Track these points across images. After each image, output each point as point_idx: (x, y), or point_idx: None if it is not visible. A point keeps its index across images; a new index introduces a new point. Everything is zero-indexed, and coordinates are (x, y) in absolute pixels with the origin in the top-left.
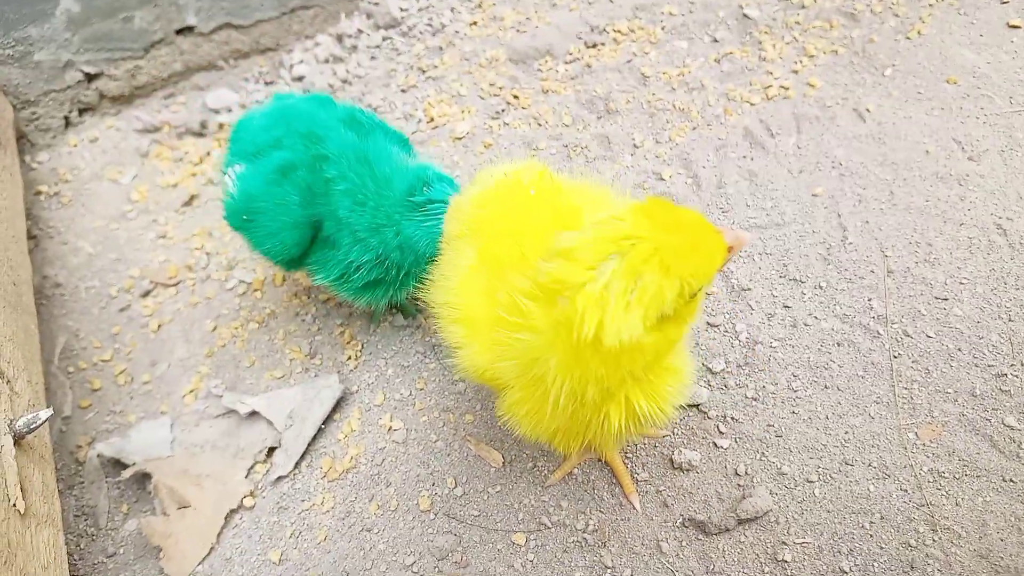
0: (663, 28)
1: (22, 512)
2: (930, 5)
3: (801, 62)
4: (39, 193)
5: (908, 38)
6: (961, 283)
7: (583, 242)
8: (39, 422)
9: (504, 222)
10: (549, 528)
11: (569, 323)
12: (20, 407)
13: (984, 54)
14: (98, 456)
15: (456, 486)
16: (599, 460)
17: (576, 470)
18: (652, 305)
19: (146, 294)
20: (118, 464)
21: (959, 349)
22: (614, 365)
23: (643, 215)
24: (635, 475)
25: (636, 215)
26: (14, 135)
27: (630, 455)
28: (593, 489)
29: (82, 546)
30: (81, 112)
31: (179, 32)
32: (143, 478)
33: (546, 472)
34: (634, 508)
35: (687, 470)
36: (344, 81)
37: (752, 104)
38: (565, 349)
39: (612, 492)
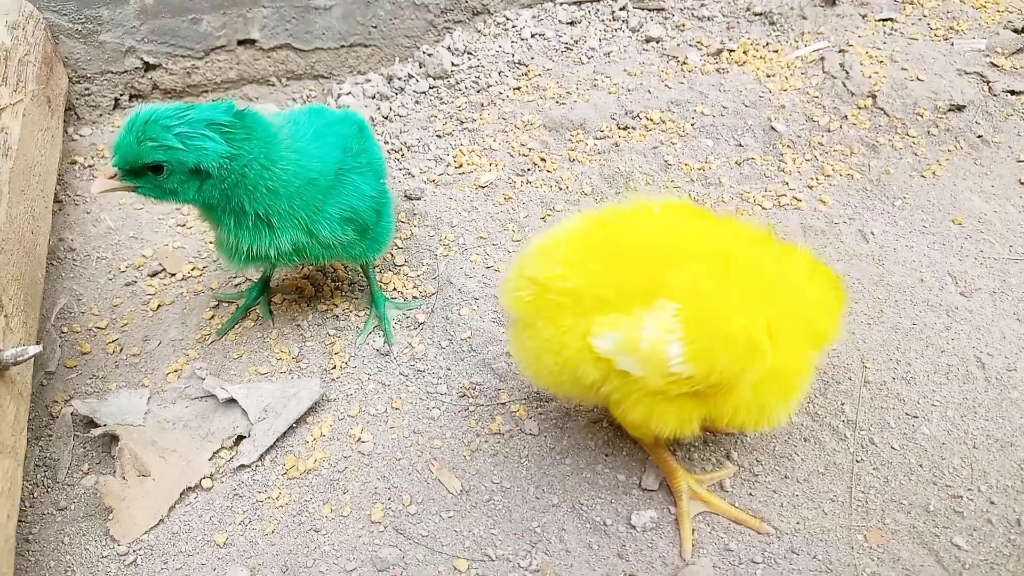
0: (692, 124)
1: None
2: (948, 151)
3: (817, 179)
4: (74, 163)
5: (923, 176)
6: (933, 405)
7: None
8: (27, 356)
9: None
10: (492, 560)
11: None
12: (11, 342)
13: (992, 203)
14: (72, 413)
15: (411, 504)
16: (579, 514)
17: (544, 515)
18: None
19: (154, 274)
20: (90, 423)
21: (920, 465)
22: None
23: None
24: (602, 525)
25: None
26: (63, 104)
27: (592, 505)
28: (543, 531)
29: (35, 495)
30: (132, 97)
31: (241, 43)
32: (111, 441)
33: (501, 507)
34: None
35: (641, 530)
36: (385, 117)
37: (764, 208)
38: None
39: (560, 537)
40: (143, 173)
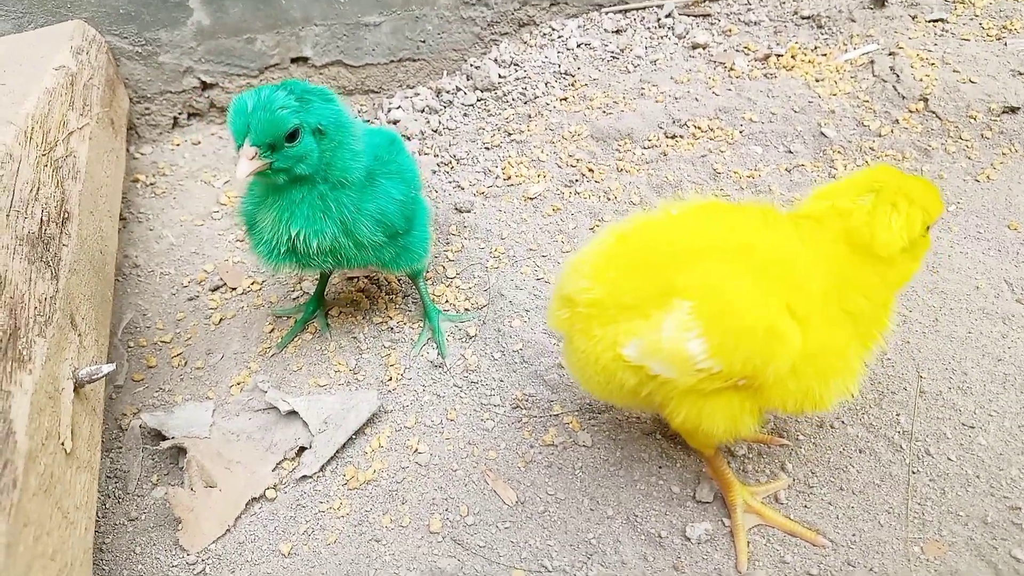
0: (741, 132)
1: (68, 452)
2: (1003, 154)
3: None
4: (136, 181)
5: (977, 180)
6: (990, 415)
7: (839, 188)
8: (101, 374)
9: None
10: (549, 571)
11: (849, 238)
12: (84, 360)
13: None
14: (140, 426)
15: (468, 514)
16: (634, 526)
17: (599, 527)
18: (907, 227)
19: (215, 289)
20: (158, 436)
21: (978, 476)
22: (876, 278)
23: (880, 171)
24: (657, 537)
25: (874, 171)
26: (126, 124)
27: (647, 517)
28: (599, 543)
29: (107, 506)
30: (190, 116)
31: (294, 60)
32: (178, 452)
33: (556, 519)
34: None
35: (696, 542)
36: (435, 131)
37: None
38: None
39: (616, 549)
40: (280, 146)
